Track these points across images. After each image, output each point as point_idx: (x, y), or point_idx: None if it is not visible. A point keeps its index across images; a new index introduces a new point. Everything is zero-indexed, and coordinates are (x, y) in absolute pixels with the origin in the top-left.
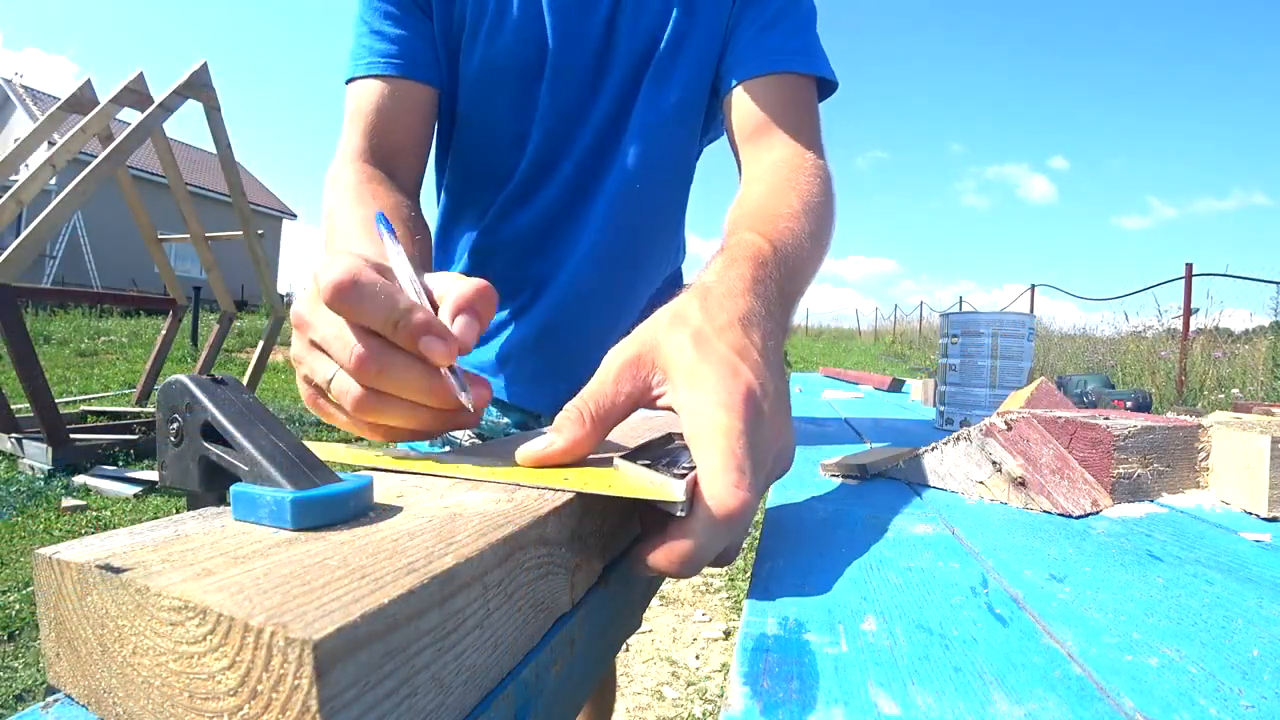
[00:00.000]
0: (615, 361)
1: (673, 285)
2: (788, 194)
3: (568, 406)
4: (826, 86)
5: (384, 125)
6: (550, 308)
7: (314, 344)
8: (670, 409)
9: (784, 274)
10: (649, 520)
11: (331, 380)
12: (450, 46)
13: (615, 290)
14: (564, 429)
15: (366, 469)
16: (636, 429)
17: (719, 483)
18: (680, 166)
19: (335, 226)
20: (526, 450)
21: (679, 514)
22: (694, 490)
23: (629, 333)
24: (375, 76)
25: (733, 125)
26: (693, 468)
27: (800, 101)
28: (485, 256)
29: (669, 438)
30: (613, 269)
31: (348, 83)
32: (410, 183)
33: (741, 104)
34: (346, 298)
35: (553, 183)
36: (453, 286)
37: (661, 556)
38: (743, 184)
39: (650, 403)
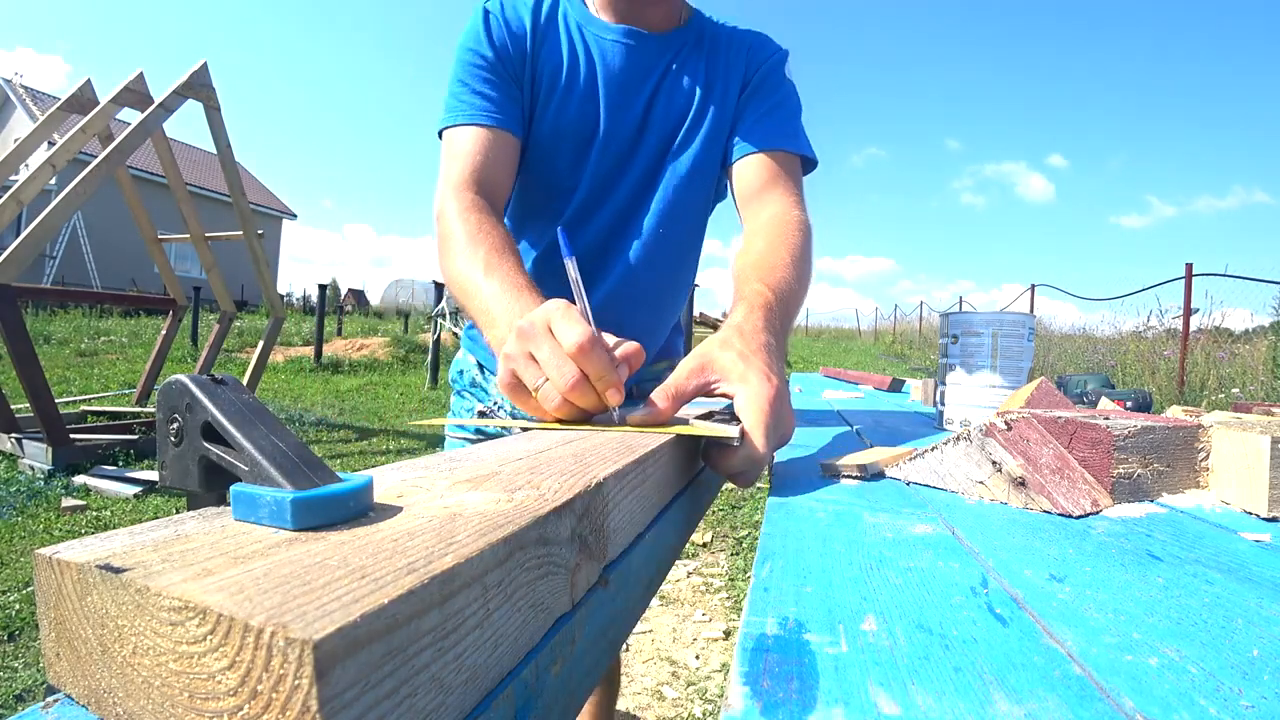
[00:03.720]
0: (685, 367)
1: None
2: (780, 248)
3: (657, 391)
4: (808, 163)
5: (486, 163)
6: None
7: (531, 356)
8: (726, 396)
9: (781, 313)
10: (711, 449)
11: (540, 388)
12: (529, 111)
13: (643, 311)
14: (659, 402)
15: (540, 427)
16: (692, 407)
17: (756, 440)
18: (697, 219)
19: (468, 248)
20: (636, 415)
21: (735, 444)
22: (742, 436)
23: (660, 346)
24: (479, 125)
25: (737, 186)
26: (739, 422)
27: (789, 171)
28: (539, 279)
29: (723, 412)
30: (641, 296)
31: (445, 130)
32: (500, 211)
33: (745, 171)
34: (585, 355)
35: (595, 225)
36: (621, 343)
37: (718, 464)
38: (746, 235)
39: (709, 392)
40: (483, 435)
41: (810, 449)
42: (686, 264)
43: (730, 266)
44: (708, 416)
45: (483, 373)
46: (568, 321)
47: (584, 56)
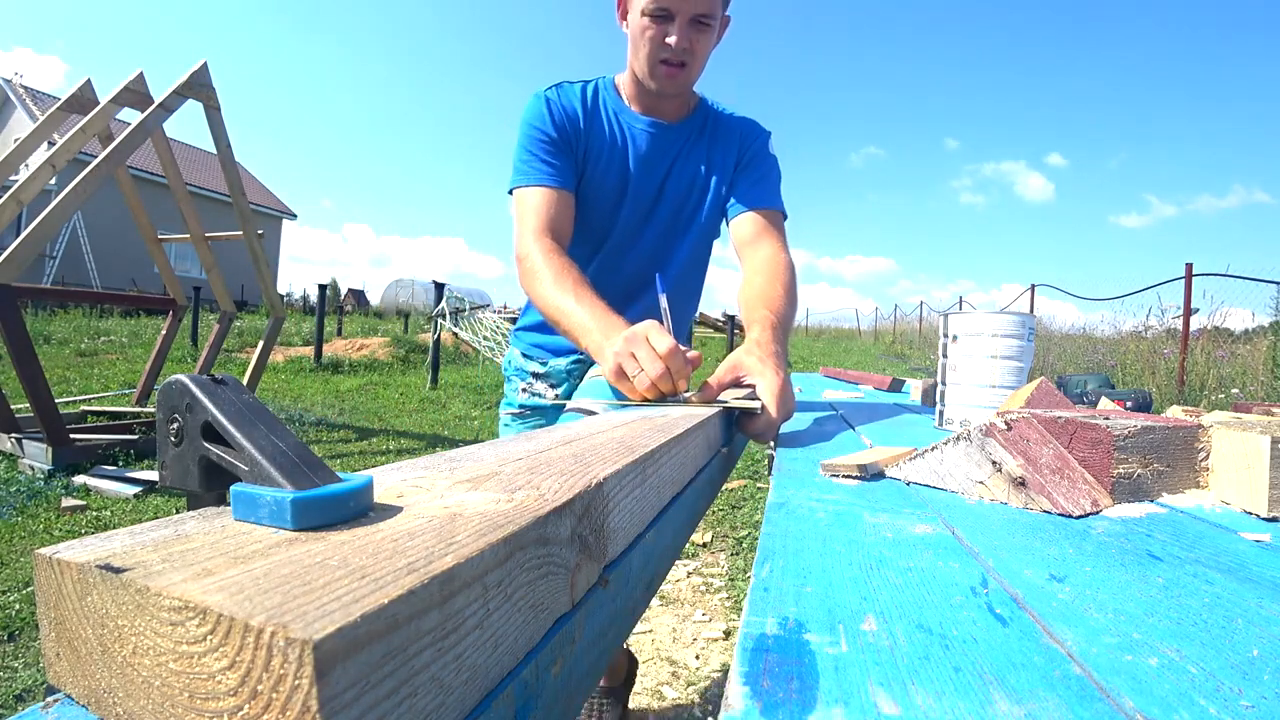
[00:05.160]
0: (724, 366)
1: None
2: (776, 282)
3: (707, 381)
4: (784, 217)
5: (554, 216)
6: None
7: (633, 355)
8: (749, 385)
9: (783, 330)
10: (742, 418)
11: (636, 376)
12: (579, 174)
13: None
14: (711, 385)
15: (630, 404)
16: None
17: (771, 410)
18: (706, 261)
19: (557, 283)
20: (694, 395)
21: (758, 413)
22: (762, 408)
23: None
24: (546, 186)
25: (735, 235)
26: (760, 400)
27: (776, 224)
28: None
29: (747, 396)
30: (673, 314)
31: (517, 189)
32: (567, 251)
33: (742, 224)
34: (671, 357)
35: (630, 265)
36: (689, 350)
37: (746, 428)
38: (747, 271)
39: (738, 382)
40: (526, 410)
41: (810, 449)
42: (697, 292)
43: (737, 295)
44: (745, 396)
45: (524, 358)
46: (660, 335)
47: (620, 138)
